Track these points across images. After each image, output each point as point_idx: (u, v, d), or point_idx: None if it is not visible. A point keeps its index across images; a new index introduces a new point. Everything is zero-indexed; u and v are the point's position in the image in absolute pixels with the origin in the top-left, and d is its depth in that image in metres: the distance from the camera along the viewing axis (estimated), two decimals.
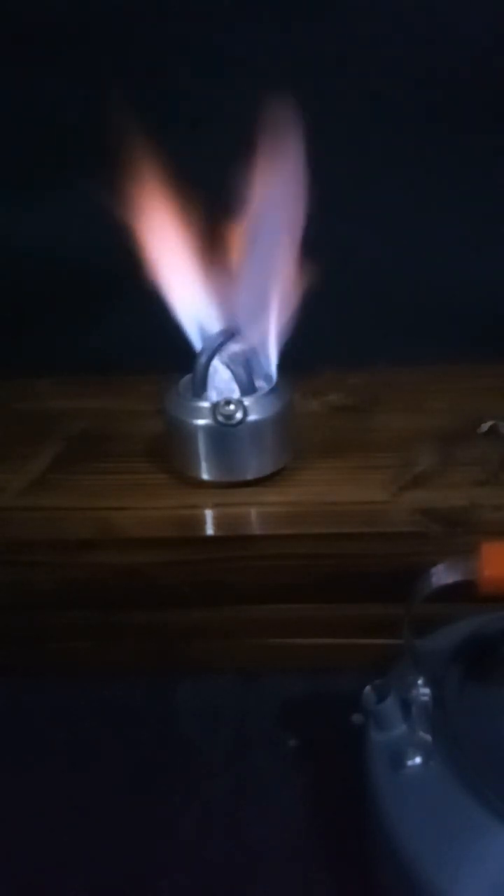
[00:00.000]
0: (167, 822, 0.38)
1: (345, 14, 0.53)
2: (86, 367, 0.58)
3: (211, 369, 0.44)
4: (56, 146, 0.56)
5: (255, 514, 0.44)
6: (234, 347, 0.44)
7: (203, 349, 0.44)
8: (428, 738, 0.30)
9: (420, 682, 0.30)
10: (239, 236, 0.44)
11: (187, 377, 0.46)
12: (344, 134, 0.53)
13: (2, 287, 0.60)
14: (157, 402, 0.47)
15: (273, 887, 0.36)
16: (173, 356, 0.45)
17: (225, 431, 0.43)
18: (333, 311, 0.45)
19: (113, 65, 0.55)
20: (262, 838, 0.37)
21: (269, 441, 0.45)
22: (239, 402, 0.43)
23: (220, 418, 0.43)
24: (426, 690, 0.30)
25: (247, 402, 0.43)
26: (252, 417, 0.43)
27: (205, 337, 0.45)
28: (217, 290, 0.45)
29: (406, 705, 0.31)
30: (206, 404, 0.44)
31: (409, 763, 0.29)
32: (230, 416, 0.43)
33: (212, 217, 0.44)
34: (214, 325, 0.45)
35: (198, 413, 0.44)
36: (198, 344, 0.45)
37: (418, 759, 0.29)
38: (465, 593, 0.30)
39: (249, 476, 0.45)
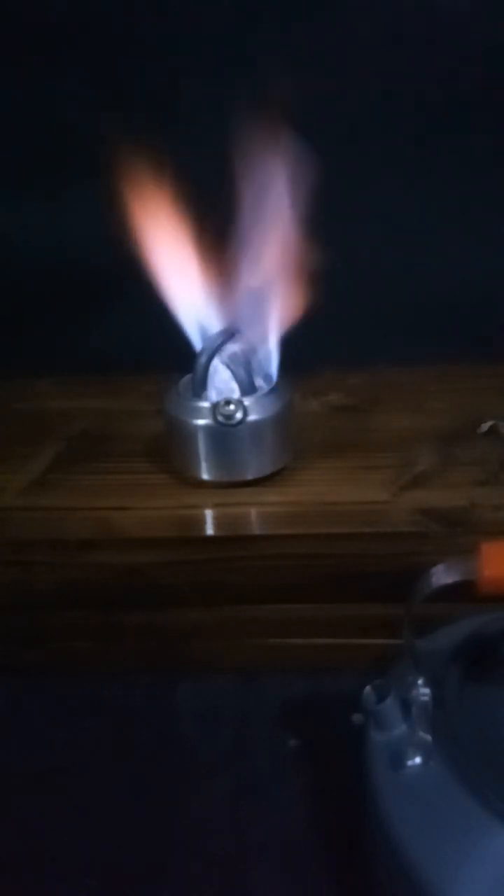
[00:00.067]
0: (167, 822, 0.38)
1: (345, 14, 0.53)
2: (86, 367, 0.58)
3: (211, 369, 0.44)
4: (56, 146, 0.56)
5: (255, 514, 0.44)
6: (234, 347, 0.45)
7: (203, 349, 0.44)
8: (428, 738, 0.30)
9: (420, 682, 0.30)
10: (239, 236, 0.44)
11: (187, 377, 0.46)
12: (344, 134, 0.53)
13: (2, 287, 0.60)
14: (157, 402, 0.47)
15: (273, 887, 0.35)
16: (173, 356, 0.45)
17: (225, 431, 0.43)
18: (333, 311, 0.45)
19: (113, 65, 0.55)
20: (262, 838, 0.37)
21: (268, 441, 0.45)
22: (239, 402, 0.43)
23: (220, 418, 0.43)
24: (426, 690, 0.30)
25: (247, 402, 0.43)
26: (252, 417, 0.43)
27: (205, 337, 0.45)
28: (217, 289, 0.45)
29: (406, 705, 0.31)
30: (206, 404, 0.44)
31: (409, 763, 0.29)
32: (230, 416, 0.43)
33: (212, 217, 0.44)
34: (214, 325, 0.45)
35: (198, 413, 0.44)
36: (198, 344, 0.45)
37: (418, 759, 0.29)
38: (465, 593, 0.30)
39: (249, 476, 0.45)
